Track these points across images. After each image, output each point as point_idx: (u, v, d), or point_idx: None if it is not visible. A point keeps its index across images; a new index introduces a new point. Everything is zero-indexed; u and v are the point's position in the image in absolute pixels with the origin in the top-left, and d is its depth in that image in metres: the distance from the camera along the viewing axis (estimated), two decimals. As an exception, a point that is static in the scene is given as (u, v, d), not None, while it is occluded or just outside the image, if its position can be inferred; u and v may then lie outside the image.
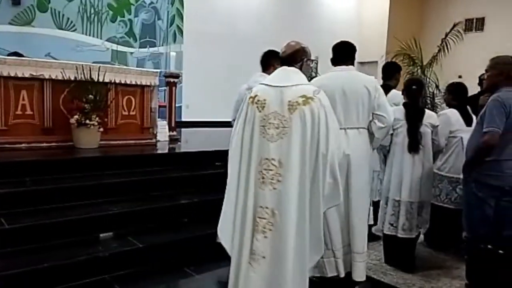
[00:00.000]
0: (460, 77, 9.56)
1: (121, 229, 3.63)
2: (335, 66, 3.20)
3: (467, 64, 9.85)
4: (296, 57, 2.45)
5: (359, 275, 3.06)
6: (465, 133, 3.96)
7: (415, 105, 3.69)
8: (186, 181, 4.52)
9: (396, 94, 4.28)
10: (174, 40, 9.48)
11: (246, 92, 3.29)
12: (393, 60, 9.61)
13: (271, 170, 2.25)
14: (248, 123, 2.36)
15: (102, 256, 3.22)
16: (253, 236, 2.27)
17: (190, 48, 9.52)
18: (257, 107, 2.33)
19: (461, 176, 4.00)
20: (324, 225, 2.91)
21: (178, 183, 4.44)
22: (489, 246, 2.84)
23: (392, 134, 3.63)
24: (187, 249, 3.68)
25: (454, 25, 9.83)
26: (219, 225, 2.47)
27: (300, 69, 2.44)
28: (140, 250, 3.41)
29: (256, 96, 2.37)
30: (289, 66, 2.43)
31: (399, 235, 3.66)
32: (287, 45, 2.51)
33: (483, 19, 11.96)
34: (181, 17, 9.53)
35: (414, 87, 3.69)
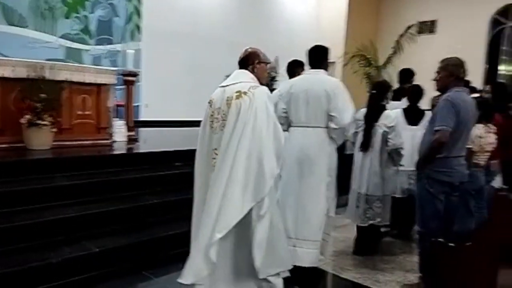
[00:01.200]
0: (413, 77, 9.91)
1: (75, 233, 3.50)
2: (310, 68, 3.52)
3: (420, 64, 10.21)
4: (247, 60, 2.71)
5: (299, 260, 3.23)
6: (406, 131, 4.25)
7: (372, 107, 3.97)
8: (144, 183, 4.42)
9: None
10: (132, 38, 9.26)
11: (278, 97, 3.46)
12: (350, 60, 9.89)
13: (214, 158, 2.57)
14: (204, 120, 2.70)
15: (55, 262, 3.10)
16: None
17: (149, 46, 9.33)
18: (209, 105, 2.67)
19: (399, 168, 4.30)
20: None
21: (136, 185, 4.34)
22: (440, 240, 2.95)
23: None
24: (146, 252, 3.61)
25: (408, 28, 10.21)
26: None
27: (252, 70, 2.69)
28: (95, 254, 3.31)
29: (211, 96, 2.70)
30: (242, 68, 2.72)
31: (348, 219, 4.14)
32: (243, 50, 2.77)
33: (435, 22, 12.46)
34: (139, 14, 9.32)
35: (374, 91, 4.03)
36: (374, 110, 3.97)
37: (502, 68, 12.04)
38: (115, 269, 3.33)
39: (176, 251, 3.71)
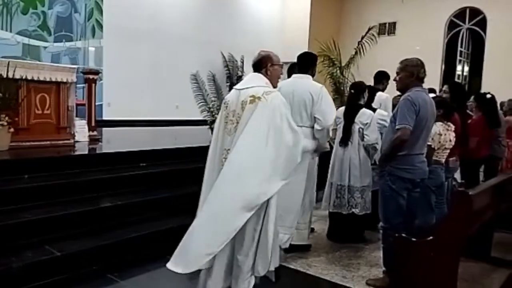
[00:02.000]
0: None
1: (37, 237, 3.37)
2: (298, 73, 3.91)
3: (381, 65, 10.49)
4: (261, 63, 2.83)
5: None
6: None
7: (350, 106, 4.30)
8: (107, 184, 4.30)
9: (380, 95, 5.03)
10: (93, 35, 9.01)
11: None
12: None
13: (226, 158, 2.66)
14: (219, 120, 2.81)
15: (16, 267, 2.98)
16: None
17: (110, 43, 9.10)
18: (224, 106, 2.79)
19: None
20: None
21: (99, 186, 4.22)
22: (403, 235, 3.04)
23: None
24: (110, 255, 3.51)
25: (369, 29, 10.45)
26: None
27: (266, 73, 2.81)
28: (59, 258, 3.19)
29: (226, 98, 2.82)
30: (256, 71, 2.83)
31: (330, 210, 4.43)
32: (257, 54, 2.89)
33: (394, 23, 12.85)
34: (100, 10, 9.07)
35: (352, 91, 4.39)
36: (352, 108, 4.26)
37: (459, 69, 12.57)
38: (79, 273, 3.23)
39: (142, 253, 3.65)
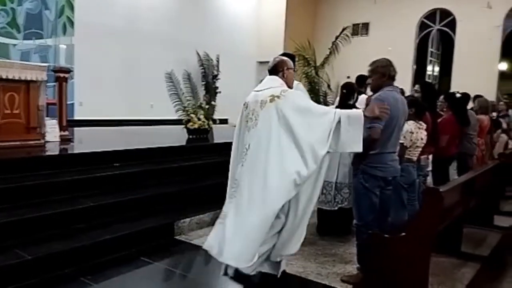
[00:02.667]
0: (348, 77, 10.33)
1: (6, 240, 3.28)
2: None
3: (354, 65, 10.68)
4: (277, 68, 3.10)
5: None
6: None
7: (342, 105, 4.27)
8: (79, 185, 4.23)
9: (364, 97, 5.03)
10: (64, 32, 8.80)
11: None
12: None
13: (246, 154, 2.93)
14: (239, 120, 3.10)
15: (-17, 272, 2.89)
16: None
17: (82, 41, 8.91)
18: (244, 107, 3.05)
19: None
20: None
21: (70, 188, 4.13)
22: (376, 231, 3.10)
23: None
24: (83, 258, 3.45)
25: (343, 29, 10.60)
26: None
27: (283, 76, 3.07)
28: (29, 262, 3.12)
29: (246, 100, 3.08)
30: (272, 75, 3.09)
31: (317, 206, 4.45)
32: (272, 59, 3.16)
33: (367, 24, 13.06)
34: (71, 7, 8.87)
35: (344, 91, 4.44)
36: (343, 108, 4.25)
37: (429, 69, 12.88)
38: (51, 276, 3.16)
39: (116, 255, 3.60)
